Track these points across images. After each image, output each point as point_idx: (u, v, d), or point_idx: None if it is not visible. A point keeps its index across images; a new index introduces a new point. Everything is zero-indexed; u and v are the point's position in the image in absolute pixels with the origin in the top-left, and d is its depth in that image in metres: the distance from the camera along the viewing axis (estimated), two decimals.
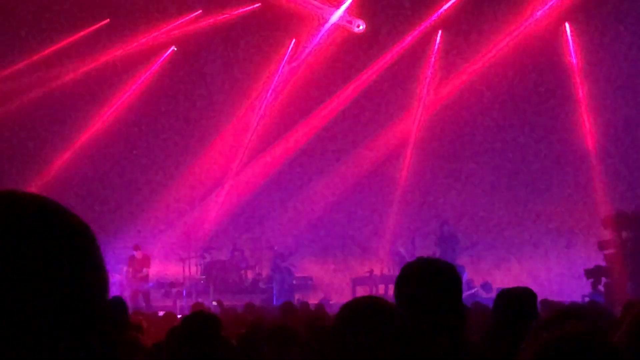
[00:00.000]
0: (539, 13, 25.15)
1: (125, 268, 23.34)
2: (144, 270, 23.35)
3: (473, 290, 23.19)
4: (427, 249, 24.59)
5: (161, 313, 16.05)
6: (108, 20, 25.60)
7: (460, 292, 3.94)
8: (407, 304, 3.81)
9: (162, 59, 26.72)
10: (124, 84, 26.44)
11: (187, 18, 26.29)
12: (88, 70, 25.86)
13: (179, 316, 14.80)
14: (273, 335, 7.89)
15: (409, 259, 23.78)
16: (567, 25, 25.45)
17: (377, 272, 25.09)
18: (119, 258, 23.48)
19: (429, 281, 3.83)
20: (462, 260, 23.12)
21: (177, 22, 26.26)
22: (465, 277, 22.60)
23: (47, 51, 25.70)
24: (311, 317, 11.48)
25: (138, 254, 23.29)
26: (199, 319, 6.46)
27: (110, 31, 25.57)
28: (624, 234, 21.85)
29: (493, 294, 21.93)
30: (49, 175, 25.92)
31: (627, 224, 21.78)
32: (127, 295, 21.18)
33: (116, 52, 25.92)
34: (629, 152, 24.34)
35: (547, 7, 25.07)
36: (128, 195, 26.39)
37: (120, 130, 26.27)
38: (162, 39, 26.45)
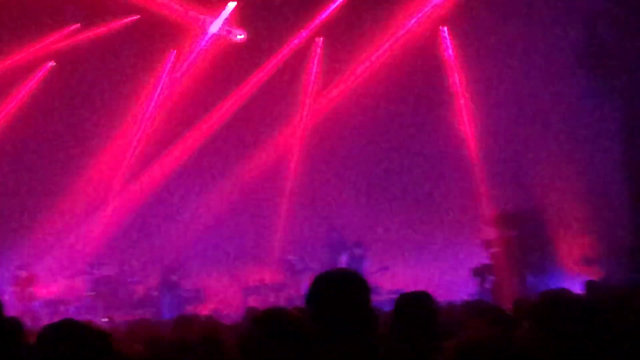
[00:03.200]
0: (416, 18, 25.49)
1: (10, 288, 22.88)
2: (30, 289, 22.93)
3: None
4: (316, 256, 24.76)
5: None
6: None
7: (369, 300, 4.04)
8: (319, 315, 3.88)
9: (39, 75, 26.10)
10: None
11: (65, 32, 25.77)
12: None
13: None
14: (171, 349, 7.87)
15: (299, 266, 24.02)
16: (445, 29, 25.80)
17: (267, 281, 25.18)
18: (2, 278, 22.98)
19: (340, 292, 3.91)
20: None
21: (55, 37, 25.77)
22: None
23: None
24: (204, 329, 11.42)
25: (22, 274, 22.95)
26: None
27: None
28: (508, 233, 22.41)
29: (383, 297, 22.20)
30: None
31: (510, 222, 22.39)
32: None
33: None
34: (510, 151, 24.86)
35: (424, 12, 25.52)
36: (10, 214, 25.79)
37: None
38: (39, 54, 25.92)
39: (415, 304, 6.26)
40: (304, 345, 3.22)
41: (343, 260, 24.26)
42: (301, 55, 27.14)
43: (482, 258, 22.88)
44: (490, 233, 23.19)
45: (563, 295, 3.37)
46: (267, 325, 3.35)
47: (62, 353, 4.25)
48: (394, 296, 6.70)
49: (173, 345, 8.04)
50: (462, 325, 7.14)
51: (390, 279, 23.76)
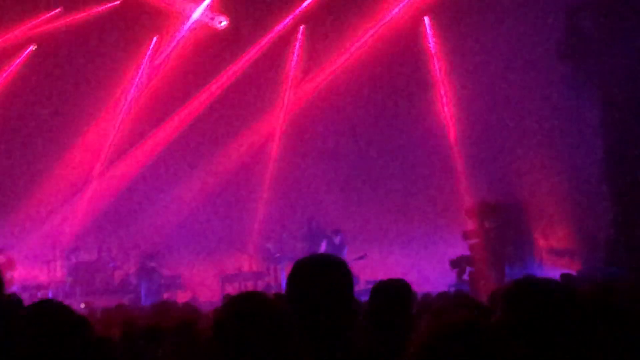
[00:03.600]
0: (398, 7, 25.52)
1: None
2: (8, 273, 22.84)
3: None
4: (294, 245, 24.78)
5: None
6: None
7: (352, 287, 4.02)
8: (299, 300, 3.87)
9: (20, 59, 25.99)
10: None
11: (47, 16, 25.66)
12: None
13: None
14: (146, 335, 7.88)
15: (277, 255, 24.05)
16: (426, 18, 25.82)
17: (245, 268, 25.27)
18: None
19: (322, 277, 3.89)
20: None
21: (37, 21, 25.64)
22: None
23: None
24: (181, 315, 11.43)
25: (1, 258, 22.79)
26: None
27: None
28: (487, 224, 22.46)
29: (360, 287, 22.25)
30: None
31: (489, 214, 22.42)
32: None
33: None
34: (490, 143, 24.90)
35: (406, 1, 25.51)
36: None
37: None
38: (21, 38, 25.84)
39: (391, 291, 6.27)
40: (278, 329, 3.23)
41: (322, 248, 24.26)
42: (283, 43, 27.11)
43: (460, 249, 22.93)
44: (469, 224, 23.23)
45: (533, 279, 3.40)
46: (239, 306, 3.36)
47: (42, 333, 4.27)
48: (372, 286, 6.69)
49: (149, 331, 8.05)
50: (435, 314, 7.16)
51: (368, 269, 23.78)
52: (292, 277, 3.98)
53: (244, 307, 3.34)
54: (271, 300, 3.48)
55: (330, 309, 3.80)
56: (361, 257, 24.05)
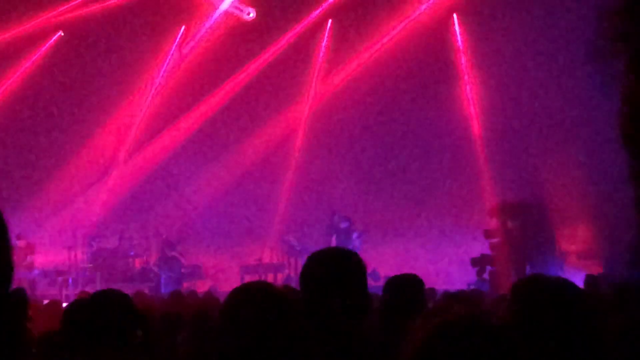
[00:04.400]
0: (427, 4, 25.46)
1: None
2: (28, 258, 22.95)
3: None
4: (316, 238, 24.77)
5: (46, 301, 15.75)
6: None
7: (365, 280, 4.01)
8: (313, 290, 3.88)
9: (48, 44, 26.15)
10: (9, 69, 25.87)
11: (75, 2, 25.77)
12: None
13: (64, 304, 14.63)
14: (162, 322, 7.92)
15: (298, 247, 24.04)
16: (454, 15, 25.76)
17: (266, 260, 25.30)
18: None
19: (336, 269, 3.89)
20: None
21: (65, 7, 25.78)
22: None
23: None
24: (200, 304, 11.51)
25: (21, 243, 22.91)
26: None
27: None
28: (509, 224, 22.39)
29: (380, 283, 22.16)
30: None
31: (511, 213, 22.35)
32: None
33: (0, 37, 25.25)
34: (514, 142, 24.83)
35: None
36: (12, 183, 25.81)
37: (5, 116, 25.72)
38: (49, 24, 26.00)
39: (404, 286, 6.25)
40: (282, 318, 3.23)
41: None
42: (310, 36, 27.11)
43: (480, 247, 22.87)
44: (491, 223, 23.17)
45: (542, 277, 3.38)
46: (243, 295, 3.36)
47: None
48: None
49: (165, 319, 8.09)
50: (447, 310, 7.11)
51: (388, 264, 23.77)
52: (305, 270, 4.00)
53: (248, 296, 3.35)
54: (276, 290, 3.49)
55: (342, 302, 3.81)
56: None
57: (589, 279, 14.26)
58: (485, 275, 22.44)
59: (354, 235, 24.20)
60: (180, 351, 7.69)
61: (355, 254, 4.14)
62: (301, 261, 24.47)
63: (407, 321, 5.39)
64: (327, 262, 3.99)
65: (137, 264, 26.09)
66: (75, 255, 25.06)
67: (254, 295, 3.33)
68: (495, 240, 22.70)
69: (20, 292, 7.44)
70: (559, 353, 2.74)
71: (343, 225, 24.59)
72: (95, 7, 26.28)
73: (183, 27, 26.98)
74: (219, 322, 3.31)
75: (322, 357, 3.53)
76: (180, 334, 8.10)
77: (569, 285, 3.01)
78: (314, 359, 3.46)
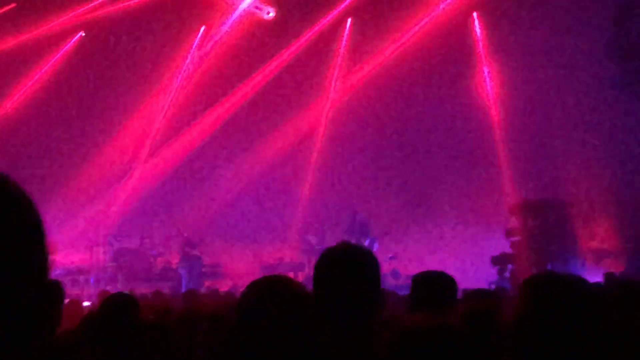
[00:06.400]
0: (446, 2, 25.45)
1: None
2: (50, 257, 22.92)
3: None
4: (337, 238, 24.68)
5: (66, 301, 15.78)
6: (14, 4, 25.08)
7: (379, 277, 4.00)
8: (325, 287, 3.88)
9: (70, 44, 26.28)
10: (30, 69, 26.04)
11: (96, 3, 25.89)
12: None
13: (85, 304, 14.69)
14: (179, 321, 7.92)
15: (318, 247, 24.05)
16: (474, 14, 25.72)
17: (286, 259, 25.33)
18: None
19: (349, 266, 3.89)
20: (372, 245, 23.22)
21: (86, 7, 25.89)
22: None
23: None
24: (220, 303, 11.52)
25: None
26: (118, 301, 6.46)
27: (17, 15, 25.10)
28: (530, 222, 22.29)
29: (401, 282, 22.22)
30: None
31: (532, 212, 22.27)
32: None
33: (24, 37, 25.42)
34: (536, 141, 24.79)
35: None
36: (33, 182, 25.90)
37: (28, 115, 26.00)
38: (71, 24, 26.17)
39: (435, 282, 6.17)
40: (299, 312, 3.22)
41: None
42: (330, 35, 27.12)
43: (503, 246, 22.81)
44: (512, 222, 23.10)
45: (553, 273, 3.37)
46: (260, 289, 3.36)
47: None
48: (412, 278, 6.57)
49: (182, 317, 8.10)
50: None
51: (407, 262, 23.76)
52: (317, 266, 4.00)
53: (265, 289, 3.35)
54: (295, 283, 3.48)
55: (354, 299, 3.80)
56: (392, 258, 24.09)
57: (609, 277, 14.22)
58: (507, 274, 22.37)
59: (367, 242, 24.11)
60: (198, 349, 7.70)
61: (368, 250, 4.13)
62: None
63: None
64: (338, 257, 3.98)
65: (159, 263, 26.18)
66: (97, 255, 25.15)
67: (271, 288, 3.32)
68: (516, 238, 22.61)
69: (57, 283, 7.48)
70: (566, 350, 2.74)
71: (358, 217, 24.52)
72: (115, 8, 26.40)
73: (203, 27, 27.05)
74: (235, 315, 3.31)
75: (334, 353, 3.52)
76: (199, 333, 8.11)
77: (580, 282, 3.00)
78: (328, 354, 3.45)
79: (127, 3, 26.37)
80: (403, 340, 2.63)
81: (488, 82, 26.18)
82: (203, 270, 24.94)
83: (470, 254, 24.24)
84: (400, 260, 24.43)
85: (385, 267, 23.99)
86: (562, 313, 2.79)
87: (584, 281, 3.09)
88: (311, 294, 3.64)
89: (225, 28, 26.89)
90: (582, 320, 2.78)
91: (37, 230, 1.43)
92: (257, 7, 26.60)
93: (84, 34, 26.85)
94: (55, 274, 23.56)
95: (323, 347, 3.33)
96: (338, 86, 27.30)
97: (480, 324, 3.67)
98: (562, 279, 3.01)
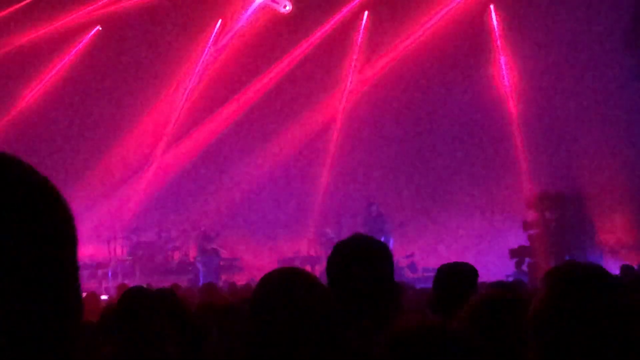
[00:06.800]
0: None
1: None
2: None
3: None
4: (354, 230, 24.58)
5: (84, 294, 15.79)
6: None
7: (392, 269, 3.98)
8: (339, 279, 3.85)
9: (87, 38, 26.33)
10: (47, 64, 26.13)
11: None
12: (12, 48, 25.37)
13: (103, 297, 14.72)
14: (197, 314, 7.91)
15: (335, 239, 23.98)
16: (491, 7, 25.65)
17: (303, 252, 25.35)
18: None
19: (362, 257, 3.87)
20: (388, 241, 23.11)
21: (103, 1, 25.95)
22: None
23: None
24: (237, 296, 11.51)
25: None
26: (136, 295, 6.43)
27: (33, 9, 25.18)
28: (548, 215, 22.25)
29: (419, 274, 22.20)
30: None
31: (550, 204, 22.23)
32: None
33: (41, 31, 25.48)
34: (552, 132, 24.69)
35: None
36: (50, 176, 25.83)
37: (45, 109, 26.10)
38: (87, 18, 26.22)
39: (458, 274, 6.14)
40: (316, 303, 3.19)
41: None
42: (347, 28, 27.09)
43: (520, 239, 22.74)
44: (530, 214, 23.04)
45: (575, 263, 3.34)
46: (274, 280, 3.34)
47: None
48: (429, 274, 6.58)
49: (198, 311, 8.09)
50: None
51: (424, 254, 23.76)
52: (330, 257, 3.98)
53: (277, 282, 3.33)
54: (310, 274, 3.46)
55: (367, 290, 3.79)
56: (409, 256, 24.08)
57: (625, 269, 14.16)
58: (524, 267, 22.31)
59: (382, 239, 24.01)
60: (213, 340, 7.69)
61: (380, 242, 4.11)
62: None
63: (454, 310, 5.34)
64: (351, 249, 3.97)
65: (176, 256, 26.22)
66: (115, 248, 25.24)
67: (284, 280, 3.30)
68: (534, 231, 22.57)
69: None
70: (590, 340, 2.71)
71: (373, 209, 24.42)
72: (132, 2, 26.42)
73: (220, 21, 27.05)
74: (250, 306, 3.30)
75: (350, 344, 3.50)
76: (215, 326, 8.10)
77: (602, 272, 2.97)
78: (344, 346, 3.43)
79: None
80: (395, 343, 2.61)
81: (505, 73, 26.10)
82: (220, 263, 24.95)
83: (487, 247, 24.19)
84: (417, 253, 24.42)
85: (403, 261, 23.99)
86: (589, 303, 2.77)
87: (607, 272, 3.06)
88: (326, 285, 3.61)
89: (242, 22, 26.90)
90: (610, 310, 2.75)
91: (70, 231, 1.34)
92: (274, 1, 26.59)
93: (100, 28, 26.89)
94: None
95: (338, 338, 3.31)
96: (355, 79, 27.28)
97: (501, 314, 3.62)
98: (588, 269, 2.98)
